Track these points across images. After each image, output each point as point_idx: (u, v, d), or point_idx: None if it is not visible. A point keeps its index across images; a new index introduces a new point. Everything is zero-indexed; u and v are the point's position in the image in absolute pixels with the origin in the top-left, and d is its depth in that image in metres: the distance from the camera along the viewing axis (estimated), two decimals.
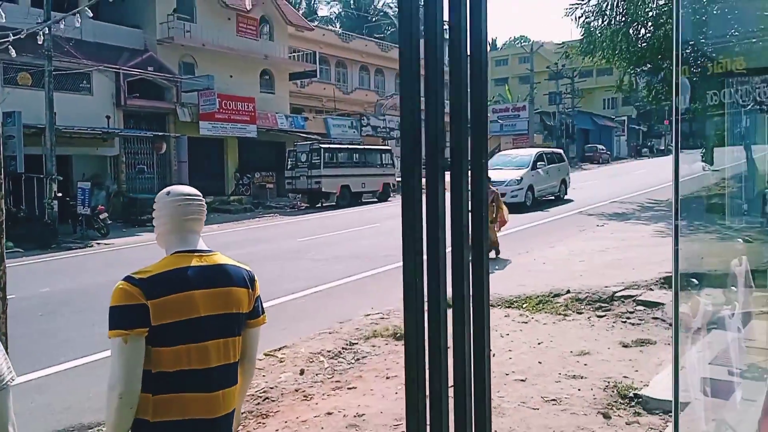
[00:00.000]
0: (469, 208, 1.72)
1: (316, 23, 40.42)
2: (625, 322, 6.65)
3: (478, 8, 1.66)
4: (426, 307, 1.85)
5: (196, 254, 2.06)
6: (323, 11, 57.19)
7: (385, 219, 17.46)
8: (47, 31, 14.66)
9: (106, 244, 15.45)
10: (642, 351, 5.73)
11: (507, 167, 19.49)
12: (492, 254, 9.90)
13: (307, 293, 9.07)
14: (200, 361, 1.98)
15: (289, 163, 23.81)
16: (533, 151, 21.75)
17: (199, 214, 2.13)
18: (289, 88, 30.62)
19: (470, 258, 1.77)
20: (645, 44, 21.36)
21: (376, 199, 24.43)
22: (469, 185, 1.72)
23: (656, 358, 5.51)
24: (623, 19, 21.15)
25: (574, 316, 6.95)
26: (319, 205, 23.46)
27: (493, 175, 17.47)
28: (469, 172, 1.73)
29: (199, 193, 2.16)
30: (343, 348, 6.47)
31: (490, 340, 6.15)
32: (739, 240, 10.90)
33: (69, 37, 17.31)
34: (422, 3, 1.67)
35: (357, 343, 6.61)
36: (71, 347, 6.82)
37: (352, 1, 56.77)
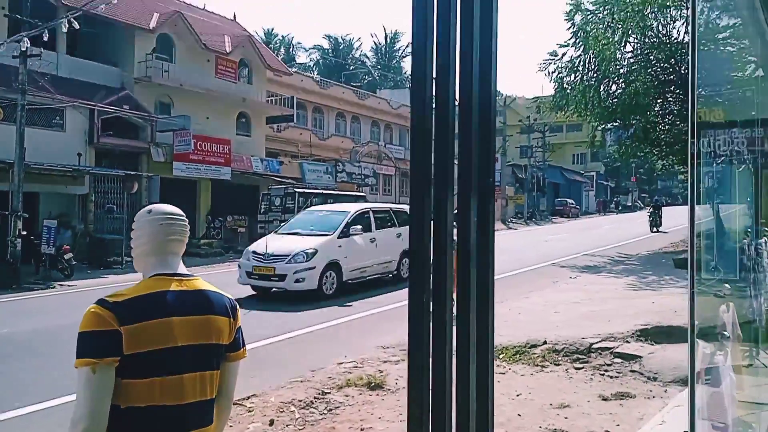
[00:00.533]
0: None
1: (294, 69, 40.93)
2: (603, 374, 6.57)
3: (488, 77, 1.65)
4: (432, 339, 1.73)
5: (176, 278, 1.93)
6: (301, 58, 58.27)
7: None
8: (23, 64, 14.55)
9: (69, 285, 14.95)
10: (622, 405, 5.63)
11: (308, 231, 13.11)
12: None
13: (278, 339, 8.83)
14: (174, 396, 1.82)
15: (263, 206, 23.60)
16: (352, 208, 14.47)
17: (181, 235, 2.00)
18: (265, 131, 30.66)
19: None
20: (615, 100, 22.04)
21: None
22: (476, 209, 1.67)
23: (637, 412, 5.41)
24: (595, 75, 21.81)
25: (552, 367, 6.84)
26: None
27: (278, 244, 12.30)
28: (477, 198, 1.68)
29: (182, 213, 2.04)
30: (315, 397, 6.24)
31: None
32: (726, 286, 10.90)
33: (44, 72, 17.16)
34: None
35: (329, 393, 6.39)
36: (28, 392, 6.45)
37: (330, 50, 57.91)
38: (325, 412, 5.83)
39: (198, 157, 23.96)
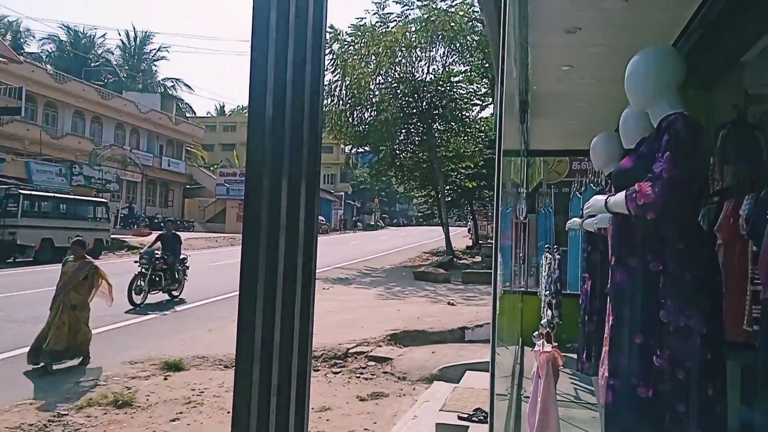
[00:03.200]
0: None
1: (23, 59, 35.85)
2: (359, 377, 6.88)
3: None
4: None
5: None
6: (32, 47, 51.25)
7: None
8: None
9: None
10: (377, 404, 5.94)
11: None
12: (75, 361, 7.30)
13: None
14: None
15: None
16: None
17: None
18: None
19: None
20: (367, 126, 23.59)
21: None
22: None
23: (391, 410, 5.76)
24: (350, 101, 23.09)
25: (312, 373, 6.95)
26: (11, 260, 20.09)
27: None
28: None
29: None
30: (48, 420, 5.45)
31: (231, 401, 5.72)
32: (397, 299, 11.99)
33: None
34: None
35: (67, 414, 5.64)
36: None
37: (68, 42, 52.02)
38: None
39: None
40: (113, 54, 55.85)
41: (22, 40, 50.30)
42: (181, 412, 5.69)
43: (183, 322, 10.13)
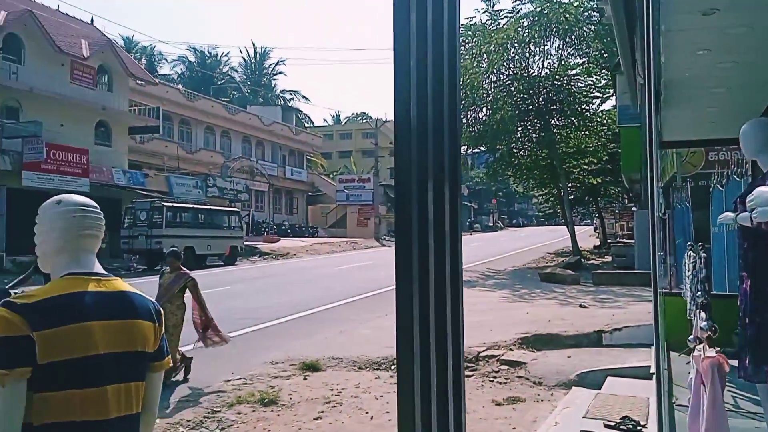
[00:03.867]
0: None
1: (158, 80, 39.06)
2: (492, 381, 6.81)
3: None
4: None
5: (93, 278, 1.68)
6: (164, 69, 55.61)
7: (234, 282, 16.71)
8: None
9: None
10: (515, 408, 5.85)
11: None
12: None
13: None
14: (97, 411, 1.58)
15: (127, 221, 22.13)
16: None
17: (97, 230, 1.76)
18: (128, 142, 28.91)
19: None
20: (482, 126, 23.33)
21: (222, 263, 23.37)
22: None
23: (529, 415, 5.65)
24: (464, 102, 22.93)
25: None
26: (159, 267, 21.93)
27: None
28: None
29: (96, 205, 1.81)
30: (204, 417, 5.88)
31: (368, 402, 5.85)
32: (582, 305, 11.60)
33: None
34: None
35: (220, 411, 6.06)
36: None
37: (196, 62, 55.93)
38: (218, 431, 5.51)
39: (51, 166, 22.04)
40: (237, 72, 59.38)
41: (156, 63, 54.78)
42: (322, 411, 5.93)
43: (317, 323, 10.55)
